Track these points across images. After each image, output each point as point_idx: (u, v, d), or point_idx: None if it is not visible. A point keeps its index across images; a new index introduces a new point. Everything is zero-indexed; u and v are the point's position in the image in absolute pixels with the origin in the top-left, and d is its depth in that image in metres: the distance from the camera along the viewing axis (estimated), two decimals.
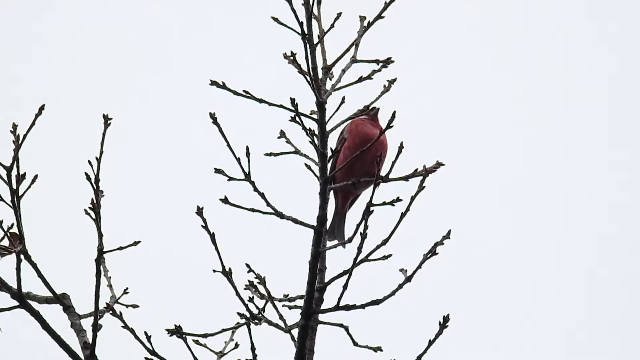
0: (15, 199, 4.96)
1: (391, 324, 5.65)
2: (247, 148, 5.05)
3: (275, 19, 5.07)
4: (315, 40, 4.94)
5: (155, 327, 5.03)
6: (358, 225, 4.93)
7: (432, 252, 5.03)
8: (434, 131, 7.06)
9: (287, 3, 4.89)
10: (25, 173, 4.98)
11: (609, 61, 9.25)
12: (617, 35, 9.27)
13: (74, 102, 8.15)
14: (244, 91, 5.07)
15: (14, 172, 4.97)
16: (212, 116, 5.05)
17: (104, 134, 5.05)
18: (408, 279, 5.04)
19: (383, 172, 5.26)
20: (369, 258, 4.97)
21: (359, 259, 4.95)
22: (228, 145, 5.05)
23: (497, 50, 9.14)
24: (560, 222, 8.87)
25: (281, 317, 5.11)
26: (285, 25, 5.01)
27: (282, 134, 5.47)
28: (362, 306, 5.01)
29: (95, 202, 5.00)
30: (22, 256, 4.94)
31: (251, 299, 5.05)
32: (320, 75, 5.05)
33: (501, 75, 9.08)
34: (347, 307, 4.99)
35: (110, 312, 5.13)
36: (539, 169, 9.00)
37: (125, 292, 5.31)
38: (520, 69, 9.18)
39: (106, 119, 5.08)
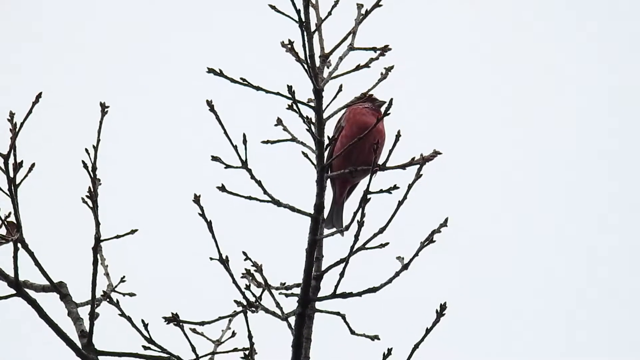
0: (12, 188, 4.96)
1: (388, 312, 5.65)
2: (244, 136, 5.04)
3: (273, 7, 5.06)
4: (313, 28, 4.94)
5: (152, 316, 5.04)
6: (355, 213, 4.93)
7: (429, 239, 5.03)
8: (432, 119, 7.06)
9: None
10: (22, 161, 4.97)
11: (609, 60, 9.25)
12: (618, 34, 9.27)
13: (71, 90, 8.14)
14: (241, 79, 5.07)
15: (11, 161, 4.96)
16: (209, 104, 5.04)
17: (100, 122, 5.05)
18: (405, 267, 5.04)
19: (380, 161, 5.25)
20: (366, 246, 4.97)
21: (356, 247, 4.95)
22: (225, 132, 5.04)
23: (495, 39, 9.13)
24: (559, 214, 8.87)
25: (278, 305, 5.10)
26: (283, 13, 5.01)
27: (279, 122, 5.46)
28: (359, 294, 5.01)
29: (92, 190, 4.99)
30: (19, 244, 4.94)
31: (248, 287, 5.05)
32: (317, 63, 5.04)
33: (500, 64, 9.07)
34: (344, 295, 4.99)
35: (107, 300, 5.13)
36: (537, 159, 9.00)
37: (122, 280, 5.31)
38: (519, 59, 9.17)
39: (103, 107, 5.07)
